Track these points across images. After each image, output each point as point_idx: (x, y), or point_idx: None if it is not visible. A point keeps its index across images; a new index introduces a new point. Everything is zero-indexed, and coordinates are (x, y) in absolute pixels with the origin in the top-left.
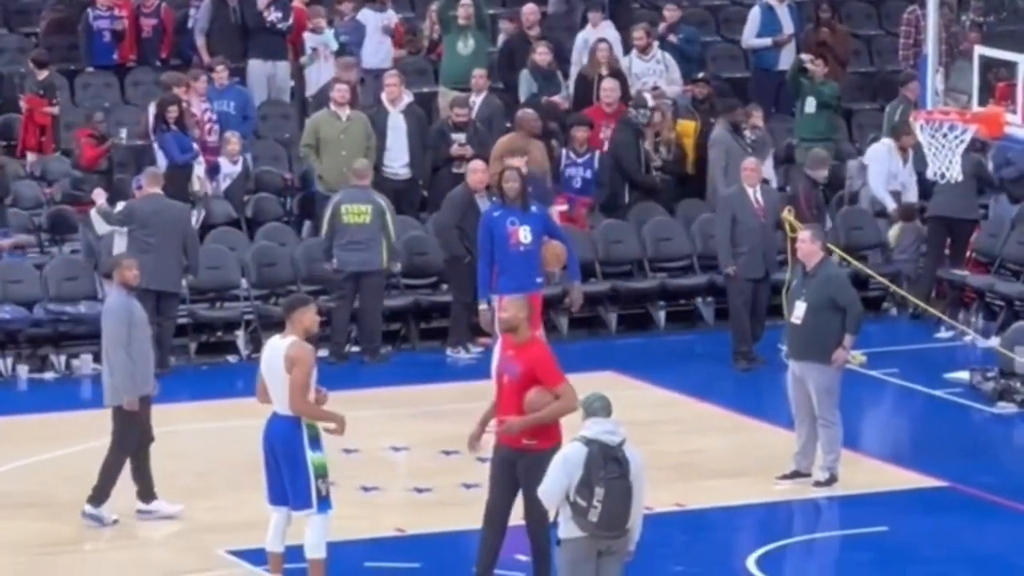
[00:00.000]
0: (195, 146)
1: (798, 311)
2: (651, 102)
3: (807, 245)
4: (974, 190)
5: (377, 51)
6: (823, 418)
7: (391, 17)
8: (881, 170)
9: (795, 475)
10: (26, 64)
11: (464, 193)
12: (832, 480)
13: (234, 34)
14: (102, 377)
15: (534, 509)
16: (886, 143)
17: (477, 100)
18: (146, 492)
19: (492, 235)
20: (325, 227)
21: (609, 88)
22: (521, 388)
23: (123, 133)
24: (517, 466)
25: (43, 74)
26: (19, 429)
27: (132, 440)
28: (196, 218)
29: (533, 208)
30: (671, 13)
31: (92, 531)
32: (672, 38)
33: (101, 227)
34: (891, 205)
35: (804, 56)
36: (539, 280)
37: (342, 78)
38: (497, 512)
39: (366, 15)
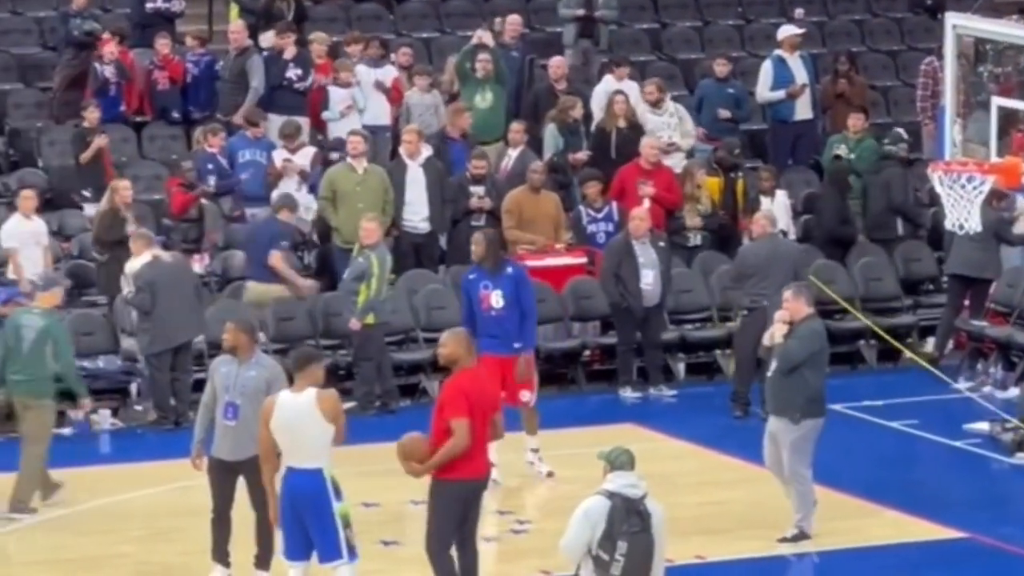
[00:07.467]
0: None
1: (773, 364)
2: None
3: (791, 303)
4: (995, 247)
5: (371, 108)
6: (793, 473)
7: (388, 73)
8: None
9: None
10: (42, 119)
11: (622, 241)
12: (800, 537)
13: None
14: None
15: (427, 535)
16: None
17: (513, 154)
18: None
19: (469, 297)
20: (375, 283)
21: (653, 146)
22: (436, 413)
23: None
24: None
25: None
26: None
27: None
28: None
29: (508, 269)
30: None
31: None
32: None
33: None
34: None
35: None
36: (516, 345)
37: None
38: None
39: (361, 71)
